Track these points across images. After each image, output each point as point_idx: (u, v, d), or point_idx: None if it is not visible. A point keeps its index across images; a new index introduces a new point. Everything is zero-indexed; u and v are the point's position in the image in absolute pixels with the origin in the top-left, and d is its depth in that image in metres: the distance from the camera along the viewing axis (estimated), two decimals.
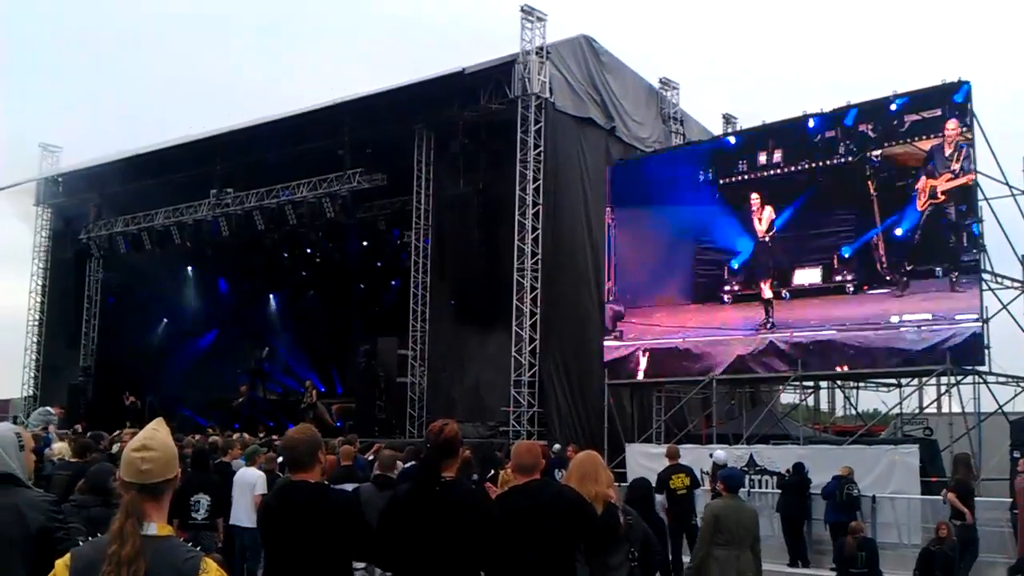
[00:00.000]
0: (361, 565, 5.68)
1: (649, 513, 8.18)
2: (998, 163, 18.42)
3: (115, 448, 12.09)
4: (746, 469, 18.40)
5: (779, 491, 17.20)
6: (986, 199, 18.25)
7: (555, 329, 23.10)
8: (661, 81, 28.19)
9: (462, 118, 24.28)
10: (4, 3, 62.17)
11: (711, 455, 14.51)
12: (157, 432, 3.13)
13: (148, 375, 31.62)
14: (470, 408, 23.92)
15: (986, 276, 18.11)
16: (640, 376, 22.43)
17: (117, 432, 17.66)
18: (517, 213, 22.78)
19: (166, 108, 73.03)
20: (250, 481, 11.37)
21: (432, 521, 4.96)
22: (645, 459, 20.04)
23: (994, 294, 18.48)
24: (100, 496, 6.42)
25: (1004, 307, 18.50)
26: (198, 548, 3.19)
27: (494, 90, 23.63)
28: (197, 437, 18.42)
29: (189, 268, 34.32)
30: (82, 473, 7.61)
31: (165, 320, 34.11)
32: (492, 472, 12.23)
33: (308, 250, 33.03)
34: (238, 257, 33.01)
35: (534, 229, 22.87)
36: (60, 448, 11.47)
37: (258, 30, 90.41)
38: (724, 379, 21.21)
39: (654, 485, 15.12)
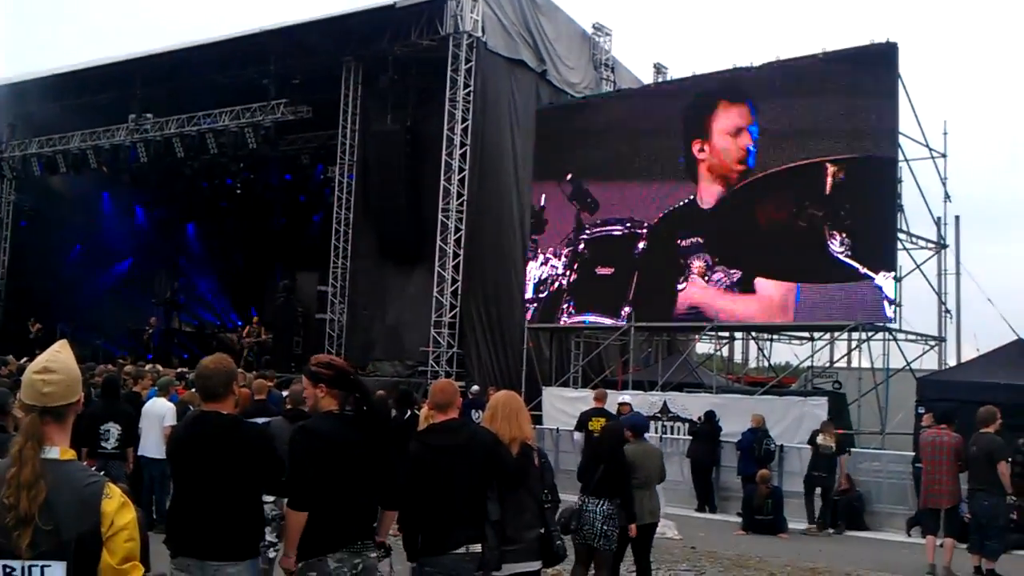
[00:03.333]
0: (270, 499, 5.63)
1: (616, 465, 8.35)
2: (919, 125, 18.76)
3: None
4: (659, 415, 18.72)
5: (690, 438, 17.54)
6: (906, 160, 18.60)
7: (477, 271, 23.08)
8: (594, 27, 28.03)
9: (392, 53, 23.93)
10: None
11: (618, 400, 14.75)
12: (59, 354, 3.02)
13: (60, 302, 30.91)
14: (389, 347, 23.91)
15: (902, 236, 18.50)
16: (562, 321, 22.55)
17: (25, 359, 17.28)
18: (444, 152, 22.60)
19: (87, 27, 70.73)
20: (160, 412, 11.22)
21: (358, 451, 4.93)
22: (561, 403, 20.28)
23: (908, 254, 18.91)
24: None
25: (918, 267, 18.96)
26: (104, 475, 3.11)
27: (426, 26, 23.28)
28: (108, 366, 18.13)
29: (105, 194, 33.49)
30: None
31: (79, 246, 33.31)
32: (409, 413, 12.22)
33: (228, 180, 32.39)
34: (156, 185, 32.25)
35: (460, 170, 22.72)
36: None
37: None
38: (642, 327, 21.44)
39: (574, 425, 15.39)
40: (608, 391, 17.18)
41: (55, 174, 30.43)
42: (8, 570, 2.72)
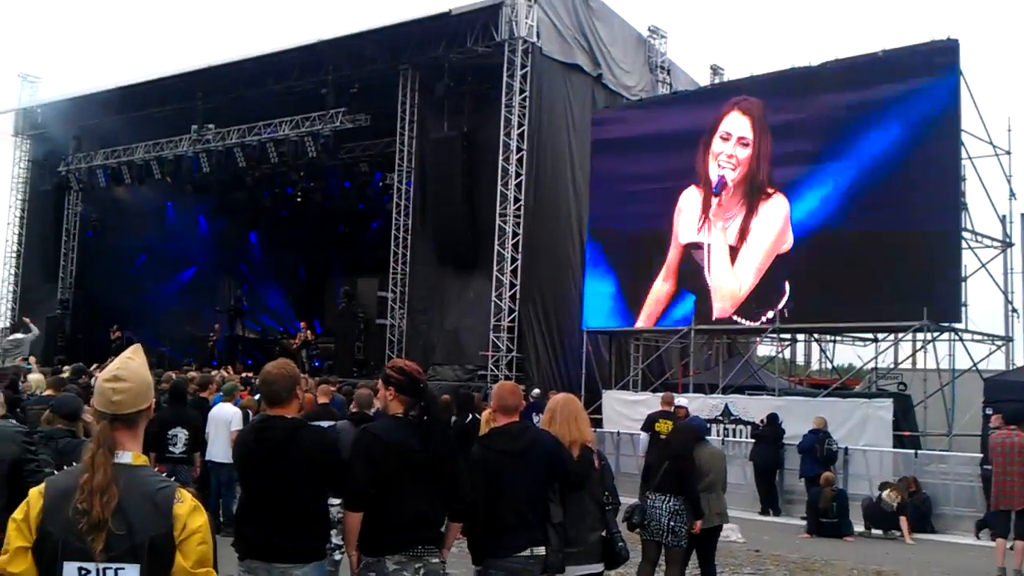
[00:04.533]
0: (337, 501, 5.70)
1: (686, 462, 8.36)
2: (983, 122, 18.45)
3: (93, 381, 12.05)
4: (721, 418, 18.59)
5: (753, 441, 17.40)
6: (970, 158, 18.30)
7: (535, 275, 23.09)
8: (650, 29, 27.96)
9: (448, 60, 24.04)
10: None
11: (674, 403, 14.70)
12: (131, 361, 3.09)
13: (126, 310, 31.46)
14: (448, 352, 23.97)
15: (966, 235, 18.19)
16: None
17: (95, 365, 17.65)
18: (501, 158, 22.65)
19: (150, 42, 72.08)
20: (226, 417, 11.40)
21: (420, 456, 4.98)
22: (621, 406, 20.23)
23: (973, 253, 18.58)
24: (67, 426, 6.40)
25: (983, 266, 18.63)
26: (173, 480, 3.18)
27: (481, 33, 23.36)
28: (175, 373, 18.43)
29: (169, 204, 34.06)
30: None
31: (144, 255, 33.88)
32: (470, 417, 12.26)
33: (289, 189, 32.75)
34: (218, 194, 32.76)
35: (517, 175, 22.76)
36: (36, 380, 11.44)
37: None
38: (702, 329, 21.30)
39: (641, 425, 15.36)
40: (640, 394, 17.14)
41: (120, 185, 31.03)
42: (83, 571, 2.79)
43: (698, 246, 21.01)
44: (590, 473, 6.06)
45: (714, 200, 20.69)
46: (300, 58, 25.93)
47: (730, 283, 20.40)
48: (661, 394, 17.17)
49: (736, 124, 20.61)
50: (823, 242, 19.05)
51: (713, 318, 20.67)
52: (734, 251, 20.39)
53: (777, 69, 20.88)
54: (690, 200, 21.26)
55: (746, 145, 20.38)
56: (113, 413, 2.98)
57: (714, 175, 20.64)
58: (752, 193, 20.25)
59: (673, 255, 21.48)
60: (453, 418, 12.20)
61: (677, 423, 9.74)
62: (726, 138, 20.61)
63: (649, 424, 14.85)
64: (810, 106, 19.72)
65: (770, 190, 20.01)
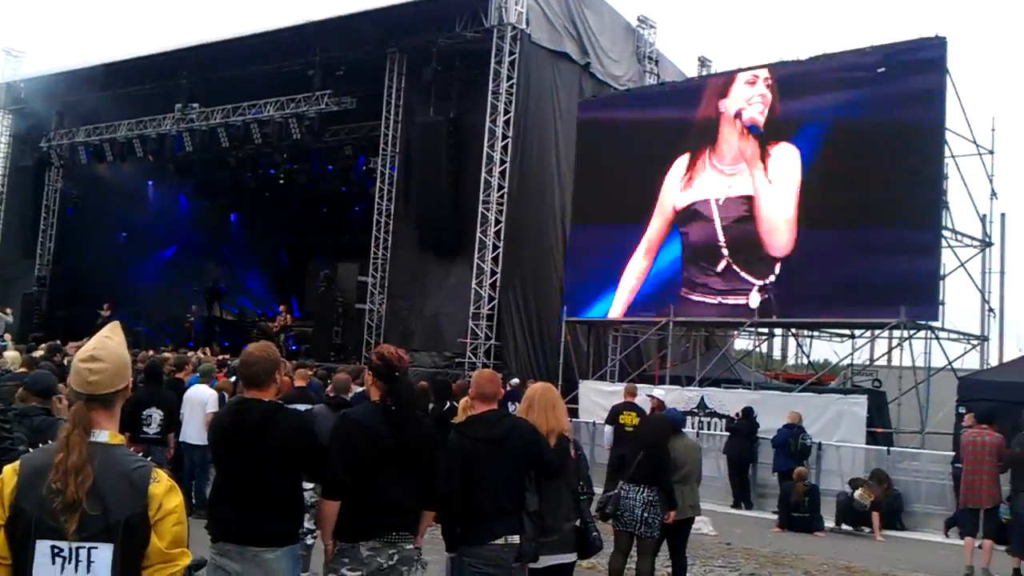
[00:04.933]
0: (311, 486, 5.70)
1: (660, 453, 8.40)
2: (967, 121, 18.53)
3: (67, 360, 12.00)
4: (696, 411, 18.67)
5: (727, 434, 17.48)
6: (953, 156, 18.38)
7: (516, 263, 23.11)
8: (639, 19, 27.96)
9: (436, 45, 23.96)
10: None
11: (648, 395, 14.72)
12: (109, 340, 3.07)
13: (104, 288, 31.28)
14: (427, 338, 23.97)
15: (946, 233, 18.29)
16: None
17: (71, 344, 17.55)
18: (486, 145, 22.62)
19: (137, 18, 71.47)
20: (202, 399, 11.38)
21: (394, 442, 4.99)
22: (598, 396, 20.27)
23: (953, 252, 18.70)
24: (41, 404, 6.37)
25: (962, 264, 18.75)
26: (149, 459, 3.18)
27: (470, 18, 23.30)
28: (151, 352, 18.35)
29: (150, 182, 33.90)
30: None
31: (123, 234, 33.72)
32: (448, 405, 12.26)
33: (272, 171, 32.60)
34: (200, 174, 32.62)
35: (502, 162, 22.74)
36: (11, 357, 11.37)
37: None
38: (680, 321, 21.37)
39: (605, 418, 15.37)
40: (639, 385, 17.16)
41: (102, 162, 30.83)
42: (56, 550, 2.78)
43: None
44: (567, 462, 6.08)
45: (726, 148, 20.55)
46: (287, 38, 25.78)
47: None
48: (624, 385, 17.25)
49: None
50: (804, 236, 19.08)
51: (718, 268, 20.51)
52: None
53: (764, 63, 20.87)
54: (680, 169, 21.24)
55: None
56: (89, 393, 2.96)
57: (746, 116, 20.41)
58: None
59: (657, 228, 21.42)
60: (431, 405, 12.19)
61: (651, 414, 9.75)
62: (752, 82, 20.46)
63: (613, 416, 14.87)
64: (795, 101, 19.76)
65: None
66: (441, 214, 23.96)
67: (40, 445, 3.75)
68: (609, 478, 8.83)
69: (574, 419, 15.08)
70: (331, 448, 5.02)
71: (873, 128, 18.40)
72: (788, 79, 20.03)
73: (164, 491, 2.88)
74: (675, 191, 21.18)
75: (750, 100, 20.23)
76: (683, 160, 21.11)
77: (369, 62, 25.22)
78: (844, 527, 14.84)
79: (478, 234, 22.60)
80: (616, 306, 22.05)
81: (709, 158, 20.76)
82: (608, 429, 14.92)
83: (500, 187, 22.71)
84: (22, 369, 9.95)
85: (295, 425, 5.09)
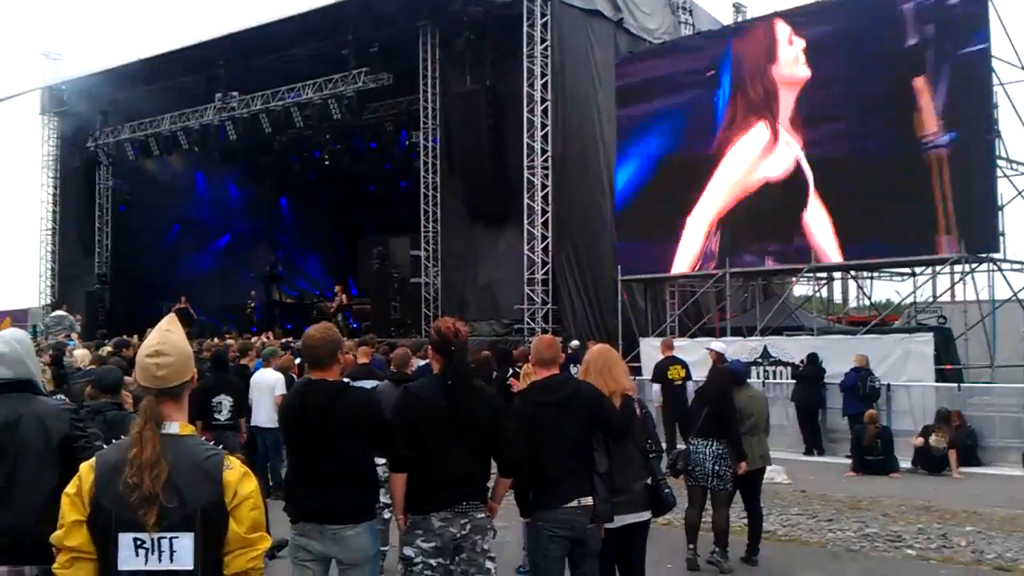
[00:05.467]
0: (383, 461, 5.75)
1: (725, 405, 8.37)
2: (1013, 47, 18.05)
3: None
4: (760, 360, 18.53)
5: (794, 382, 17.33)
6: (1001, 84, 17.91)
7: (567, 226, 23.02)
8: None
9: (467, 14, 23.80)
10: None
11: (707, 348, 14.59)
12: (170, 334, 3.10)
13: (163, 282, 31.78)
14: (484, 307, 24.01)
15: (1001, 163, 17.88)
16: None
17: (136, 336, 17.84)
18: (525, 110, 22.49)
19: (168, 13, 71.99)
20: (269, 382, 11.52)
21: (454, 415, 5.00)
22: (659, 353, 20.14)
23: (1009, 181, 18.29)
24: (112, 398, 6.49)
25: (1020, 193, 18.32)
26: (221, 447, 3.22)
27: None
28: (215, 340, 18.60)
29: (198, 173, 34.28)
30: None
31: (177, 226, 34.15)
32: (511, 371, 12.30)
33: (316, 153, 32.93)
34: (246, 161, 32.97)
35: (543, 126, 22.60)
36: (81, 355, 11.59)
37: None
38: (737, 272, 21.16)
39: (651, 375, 15.33)
40: (705, 339, 17.05)
41: (149, 157, 31.20)
42: (139, 542, 2.83)
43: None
44: (632, 422, 6.06)
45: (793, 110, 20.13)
46: (319, 21, 25.75)
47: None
48: (661, 340, 17.18)
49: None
50: (855, 173, 18.76)
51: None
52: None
53: (799, 5, 20.47)
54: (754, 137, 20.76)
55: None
56: (158, 387, 3.00)
57: (801, 74, 19.92)
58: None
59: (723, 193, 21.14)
60: (495, 373, 12.23)
61: (713, 367, 9.67)
62: (792, 42, 20.09)
63: (660, 373, 14.79)
64: (836, 33, 19.38)
65: None
66: (487, 183, 23.91)
67: (114, 440, 3.80)
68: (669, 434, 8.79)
69: (637, 377, 15.03)
70: (393, 423, 5.08)
71: (918, 57, 18.00)
72: (818, 18, 19.68)
73: (238, 478, 2.91)
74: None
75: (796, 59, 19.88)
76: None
77: (402, 37, 25.14)
78: (920, 469, 14.62)
79: (526, 200, 22.52)
80: (672, 261, 21.85)
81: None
82: (656, 387, 14.84)
83: (544, 151, 22.58)
84: (92, 366, 10.14)
85: (361, 402, 5.16)
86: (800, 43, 19.77)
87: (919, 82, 17.88)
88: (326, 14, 25.38)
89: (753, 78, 20.60)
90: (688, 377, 15.09)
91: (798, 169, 19.59)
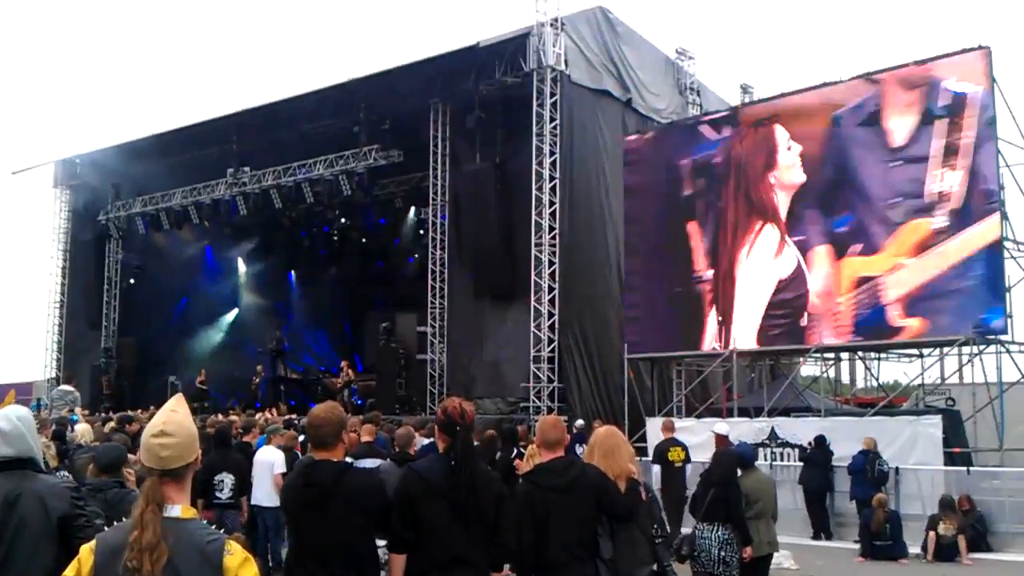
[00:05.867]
0: (383, 542, 5.68)
1: (730, 489, 8.28)
2: (1019, 128, 18.20)
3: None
4: (767, 442, 18.38)
5: (801, 464, 17.16)
6: (1007, 166, 18.04)
7: (573, 303, 23.04)
8: (677, 51, 28.02)
9: (478, 92, 24.10)
10: None
11: (712, 431, 14.37)
12: (175, 414, 3.11)
13: (170, 355, 31.77)
14: (490, 384, 23.92)
15: (1008, 244, 17.92)
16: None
17: (140, 411, 17.79)
18: (534, 187, 22.67)
19: (182, 89, 73.16)
20: (270, 460, 11.43)
21: (457, 497, 4.96)
22: (661, 434, 19.99)
23: (1016, 262, 18.30)
24: (113, 476, 6.44)
25: None
26: (222, 529, 3.19)
27: (509, 63, 23.45)
28: (219, 417, 18.53)
29: (208, 247, 34.46)
30: None
31: (185, 300, 34.25)
32: (515, 452, 12.19)
33: (326, 228, 33.17)
34: (256, 236, 33.18)
35: (551, 203, 22.76)
36: (82, 430, 11.54)
37: (272, 7, 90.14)
38: (744, 352, 21.11)
39: (651, 457, 15.20)
40: (712, 419, 16.93)
41: (159, 231, 31.44)
42: None
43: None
44: (638, 506, 6.00)
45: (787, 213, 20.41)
46: (331, 97, 26.14)
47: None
48: (662, 420, 17.07)
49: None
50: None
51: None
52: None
53: (805, 87, 20.71)
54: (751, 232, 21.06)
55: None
56: (161, 468, 2.99)
57: (796, 179, 20.32)
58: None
59: (716, 279, 21.27)
60: (499, 453, 12.13)
61: (717, 450, 9.59)
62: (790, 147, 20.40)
63: (660, 455, 14.66)
64: (839, 122, 19.60)
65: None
66: (494, 259, 24.00)
67: (115, 522, 3.77)
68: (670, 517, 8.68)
69: (643, 458, 14.87)
70: (393, 504, 5.04)
71: (922, 140, 18.20)
72: (821, 104, 19.95)
73: (239, 563, 2.89)
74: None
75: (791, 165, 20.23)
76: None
77: (413, 114, 25.46)
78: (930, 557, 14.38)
79: (533, 277, 22.58)
80: (679, 340, 21.89)
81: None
82: (656, 468, 14.74)
83: (551, 228, 22.71)
84: (95, 442, 10.09)
85: (365, 485, 5.13)
86: (798, 148, 20.11)
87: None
88: (338, 91, 25.75)
89: (753, 179, 20.89)
90: (688, 459, 14.87)
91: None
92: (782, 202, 20.30)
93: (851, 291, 19.00)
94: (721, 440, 9.70)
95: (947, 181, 17.90)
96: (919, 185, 18.28)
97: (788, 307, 20.00)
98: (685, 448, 14.87)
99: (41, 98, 72.10)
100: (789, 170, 20.23)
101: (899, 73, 18.86)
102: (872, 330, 18.91)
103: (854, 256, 19.04)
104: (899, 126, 18.64)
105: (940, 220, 17.97)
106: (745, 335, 20.70)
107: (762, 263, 20.53)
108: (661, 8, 74.50)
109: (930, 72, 18.37)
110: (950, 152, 17.88)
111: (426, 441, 10.35)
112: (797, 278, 19.88)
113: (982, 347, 17.91)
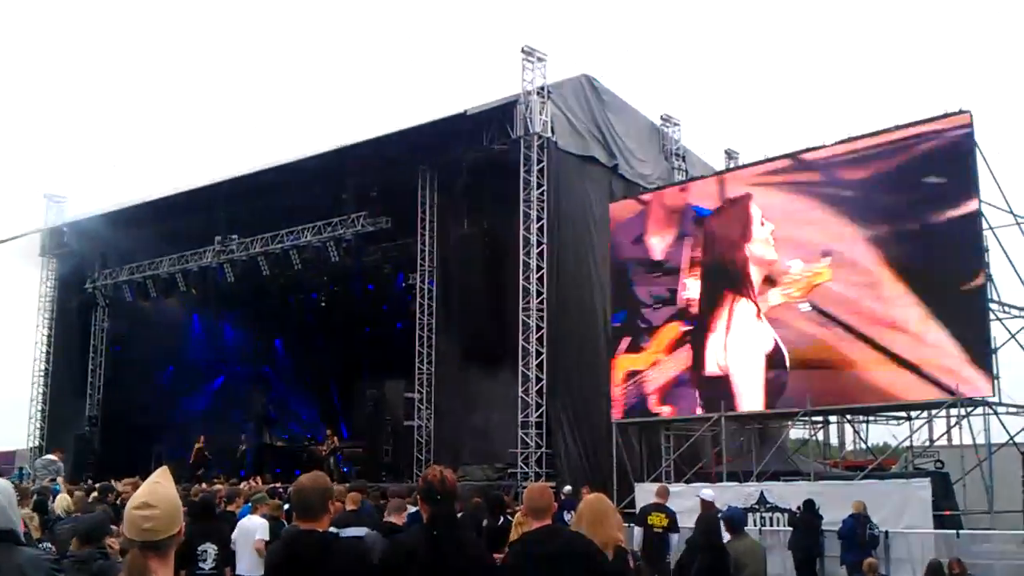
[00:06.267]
0: None
1: (716, 554, 8.22)
2: (1002, 192, 18.42)
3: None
4: (756, 507, 18.26)
5: (790, 529, 17.03)
6: (991, 228, 18.21)
7: (561, 369, 23.02)
8: (662, 118, 28.37)
9: (465, 159, 24.32)
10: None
11: (697, 496, 14.19)
12: (159, 486, 3.09)
13: (155, 424, 31.54)
14: (477, 450, 23.79)
15: (993, 306, 18.03)
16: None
17: (125, 480, 17.60)
18: (522, 253, 22.79)
19: (170, 157, 73.62)
20: (252, 529, 11.26)
21: (438, 569, 4.91)
22: (655, 498, 19.86)
23: (1002, 324, 18.39)
24: (96, 547, 6.36)
25: (1012, 336, 18.41)
26: None
27: (496, 130, 23.71)
28: (204, 486, 18.36)
29: (195, 315, 34.38)
30: None
31: (171, 368, 34.10)
32: (502, 520, 12.08)
33: (313, 295, 33.16)
34: (243, 303, 33.11)
35: (539, 268, 22.86)
36: (62, 501, 11.41)
37: (259, 77, 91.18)
38: (733, 416, 21.07)
39: (635, 519, 15.07)
40: (700, 484, 16.85)
41: (146, 299, 31.40)
42: None
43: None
44: (626, 574, 5.95)
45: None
46: (319, 165, 26.26)
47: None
48: (656, 486, 16.93)
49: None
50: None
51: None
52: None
53: (789, 152, 20.95)
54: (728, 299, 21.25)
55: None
56: (144, 540, 2.96)
57: (771, 256, 20.54)
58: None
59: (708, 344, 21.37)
60: (485, 521, 12.03)
61: (701, 515, 9.53)
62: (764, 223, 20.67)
63: (642, 517, 14.54)
64: (826, 185, 19.81)
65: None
66: (482, 325, 24.02)
67: None
68: None
69: (632, 524, 14.72)
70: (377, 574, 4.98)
71: (906, 205, 18.43)
72: (808, 167, 20.20)
73: None
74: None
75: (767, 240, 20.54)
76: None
77: (401, 181, 25.62)
78: None
79: (520, 342, 22.59)
80: (668, 411, 21.93)
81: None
82: (638, 531, 14.60)
83: (539, 293, 22.78)
84: (77, 513, 9.98)
85: (352, 555, 5.07)
86: (770, 226, 20.38)
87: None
88: (326, 159, 25.90)
89: (727, 253, 21.16)
90: (673, 528, 14.58)
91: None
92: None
93: None
94: (707, 506, 9.62)
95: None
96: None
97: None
98: (671, 516, 14.64)
99: (28, 164, 72.37)
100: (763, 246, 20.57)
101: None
102: None
103: None
104: None
105: None
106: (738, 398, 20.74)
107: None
108: (647, 75, 75.68)
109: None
110: None
111: (413, 509, 10.26)
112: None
113: (969, 409, 17.94)
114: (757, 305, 20.40)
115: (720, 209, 21.62)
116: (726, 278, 21.13)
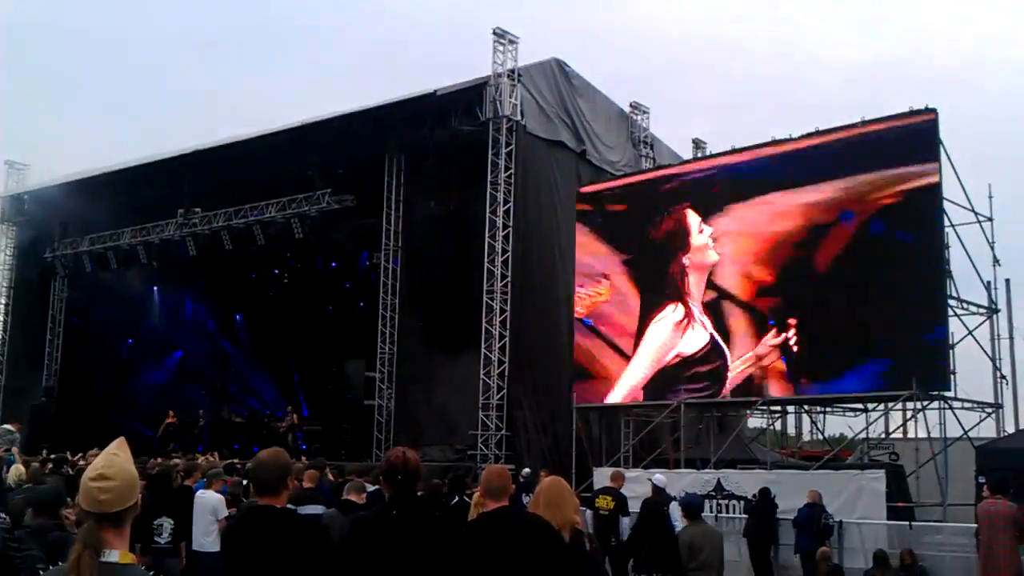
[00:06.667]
0: None
1: (660, 530, 8.26)
2: (964, 190, 18.62)
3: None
4: (713, 493, 18.42)
5: (746, 516, 17.19)
6: (952, 225, 18.42)
7: (524, 352, 23.05)
8: (631, 105, 28.38)
9: (433, 139, 24.23)
10: None
11: (650, 479, 14.26)
12: (116, 457, 3.04)
13: (112, 396, 31.22)
14: (437, 431, 23.78)
15: (952, 302, 18.25)
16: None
17: (80, 455, 17.44)
18: (487, 235, 22.76)
19: (135, 127, 72.72)
20: (209, 505, 11.19)
21: (399, 548, 4.90)
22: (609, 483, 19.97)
23: (960, 320, 18.62)
24: (51, 518, 6.29)
25: (970, 332, 18.65)
26: (161, 575, 3.13)
27: (465, 112, 23.64)
28: (160, 460, 18.22)
29: (155, 287, 34.03)
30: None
31: (130, 340, 33.77)
32: (457, 499, 12.10)
33: (276, 270, 32.93)
34: (205, 277, 32.81)
35: (504, 251, 22.85)
36: (14, 471, 11.29)
37: (231, 51, 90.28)
38: (692, 403, 21.22)
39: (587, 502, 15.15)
40: (660, 470, 16.95)
41: (106, 270, 31.00)
42: None
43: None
44: (583, 557, 5.97)
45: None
46: (286, 140, 26.04)
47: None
48: (612, 470, 17.06)
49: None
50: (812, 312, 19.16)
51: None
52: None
53: (756, 143, 21.02)
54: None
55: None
56: (99, 512, 2.93)
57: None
58: None
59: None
60: (446, 501, 12.03)
61: (647, 499, 9.60)
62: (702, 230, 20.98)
63: (591, 501, 14.65)
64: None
65: None
66: (446, 306, 23.98)
67: (59, 562, 3.71)
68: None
69: (590, 508, 14.79)
70: (339, 553, 4.97)
71: (869, 201, 18.59)
72: (771, 164, 20.33)
73: None
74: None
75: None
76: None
77: (368, 159, 25.48)
78: None
79: (484, 324, 22.58)
80: (627, 390, 22.00)
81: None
82: (591, 513, 14.67)
83: (503, 276, 22.77)
84: (29, 484, 9.87)
85: (309, 532, 5.04)
86: (709, 230, 20.62)
87: None
88: (293, 135, 25.70)
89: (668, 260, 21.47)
90: (619, 509, 14.64)
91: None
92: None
93: None
94: (656, 491, 9.68)
95: None
96: None
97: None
98: (618, 499, 14.68)
99: None
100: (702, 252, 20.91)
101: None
102: None
103: None
104: None
105: None
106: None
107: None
108: (617, 62, 75.67)
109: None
110: None
111: (371, 488, 10.25)
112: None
113: (926, 403, 18.17)
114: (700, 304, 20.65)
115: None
116: (665, 280, 21.53)
